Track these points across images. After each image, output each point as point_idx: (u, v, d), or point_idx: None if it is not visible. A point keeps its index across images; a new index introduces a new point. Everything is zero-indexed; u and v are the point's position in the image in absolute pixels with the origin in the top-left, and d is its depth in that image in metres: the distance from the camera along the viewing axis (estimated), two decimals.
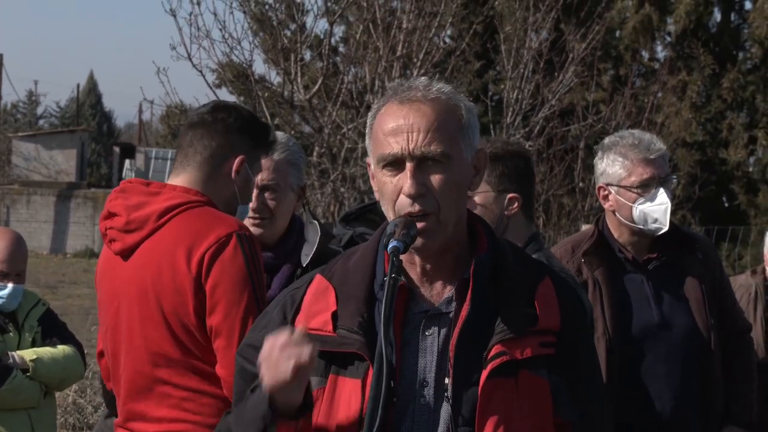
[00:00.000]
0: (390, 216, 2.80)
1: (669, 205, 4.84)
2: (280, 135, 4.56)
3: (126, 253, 3.90)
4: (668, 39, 21.64)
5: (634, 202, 4.83)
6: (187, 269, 3.74)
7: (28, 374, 5.93)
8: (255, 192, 4.27)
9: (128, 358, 3.90)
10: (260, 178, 4.30)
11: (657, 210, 4.84)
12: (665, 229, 4.83)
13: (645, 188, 4.83)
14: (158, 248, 3.81)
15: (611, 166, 4.88)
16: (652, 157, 4.80)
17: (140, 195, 3.92)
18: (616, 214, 4.90)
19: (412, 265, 2.83)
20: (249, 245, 3.78)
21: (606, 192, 4.91)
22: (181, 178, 3.97)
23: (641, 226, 4.85)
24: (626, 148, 4.86)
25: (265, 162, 4.25)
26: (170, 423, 3.82)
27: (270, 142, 4.16)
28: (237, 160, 3.96)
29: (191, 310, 3.75)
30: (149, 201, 3.89)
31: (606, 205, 4.97)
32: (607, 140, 5.00)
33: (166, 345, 3.79)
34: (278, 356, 2.63)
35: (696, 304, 4.80)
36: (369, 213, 4.91)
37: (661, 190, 4.83)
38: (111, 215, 3.94)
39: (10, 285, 5.96)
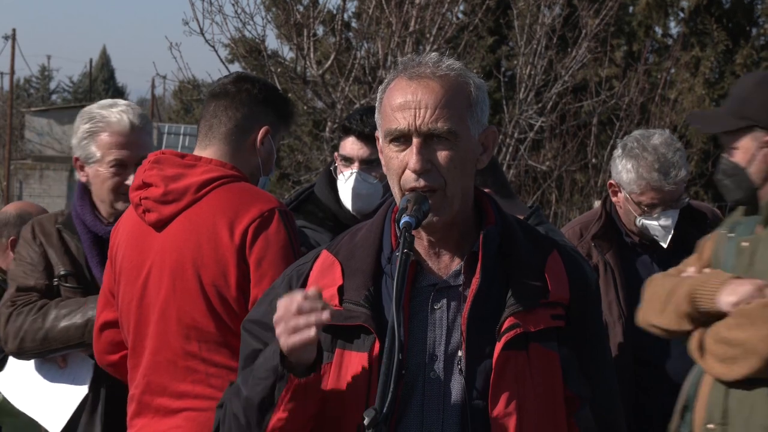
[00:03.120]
0: (395, 191, 2.82)
1: (671, 229, 4.83)
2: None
3: (161, 224, 3.89)
4: (681, 15, 21.54)
5: (639, 215, 4.86)
6: (230, 241, 3.76)
7: None
8: None
9: (157, 330, 3.88)
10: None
11: (658, 230, 4.86)
12: (664, 245, 4.85)
13: (652, 209, 4.84)
14: (198, 220, 3.82)
15: (627, 174, 4.89)
16: (667, 188, 4.79)
17: (176, 167, 3.92)
18: (621, 209, 4.93)
19: (419, 239, 2.84)
20: (290, 221, 3.83)
21: (616, 189, 4.93)
22: (210, 151, 3.98)
23: (642, 232, 4.88)
24: (647, 167, 4.84)
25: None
26: (194, 399, 3.81)
27: (291, 114, 4.17)
28: (262, 131, 4.00)
29: (233, 281, 3.76)
30: (186, 173, 3.89)
31: (613, 199, 4.99)
32: (630, 143, 4.96)
33: (201, 318, 3.79)
34: (296, 317, 2.65)
35: None
36: (307, 204, 4.90)
37: (669, 212, 4.83)
38: (146, 185, 3.92)
39: None
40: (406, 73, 2.82)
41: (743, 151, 4.04)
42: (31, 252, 4.61)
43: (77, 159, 4.61)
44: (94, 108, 4.65)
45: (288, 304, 2.67)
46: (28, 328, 4.48)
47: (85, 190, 4.62)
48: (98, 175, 4.53)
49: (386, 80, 2.88)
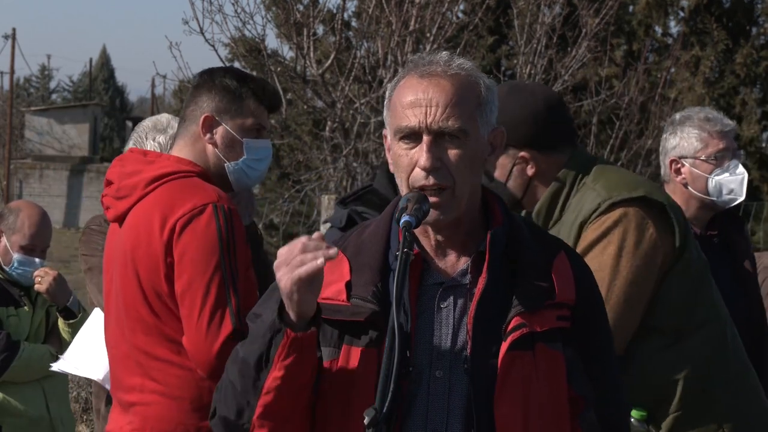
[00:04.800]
0: (403, 189, 2.82)
1: (746, 175, 4.97)
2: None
3: (118, 220, 3.96)
4: (681, 14, 21.53)
5: (710, 173, 4.98)
6: (160, 236, 3.77)
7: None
8: None
9: (115, 325, 3.96)
10: None
11: (734, 180, 4.98)
12: (740, 199, 4.96)
13: (721, 160, 4.99)
14: (139, 216, 3.86)
15: (686, 140, 5.06)
16: (726, 130, 4.98)
17: (136, 163, 3.97)
18: (688, 187, 4.98)
19: (426, 237, 2.85)
20: (225, 217, 3.78)
21: (679, 165, 5.02)
22: (176, 148, 4.04)
23: (714, 198, 4.97)
24: (701, 121, 5.06)
25: None
26: (140, 393, 3.86)
27: (256, 88, 4.08)
28: (201, 120, 3.98)
29: (162, 276, 3.78)
30: (142, 169, 3.93)
31: (678, 179, 5.05)
32: (678, 116, 5.17)
33: (142, 310, 3.83)
34: (301, 256, 2.62)
35: (752, 285, 4.91)
36: (367, 194, 4.96)
37: (735, 162, 4.97)
38: (108, 183, 4.02)
39: (36, 260, 5.99)
40: (417, 71, 2.83)
41: (501, 168, 4.15)
42: None
43: None
44: (147, 125, 4.88)
45: (291, 247, 2.65)
46: None
47: None
48: None
49: (396, 77, 2.89)
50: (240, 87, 4.03)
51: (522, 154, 4.10)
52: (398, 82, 2.87)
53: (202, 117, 3.98)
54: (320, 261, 2.61)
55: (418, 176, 2.78)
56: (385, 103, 2.92)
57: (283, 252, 2.66)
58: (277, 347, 2.68)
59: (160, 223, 3.79)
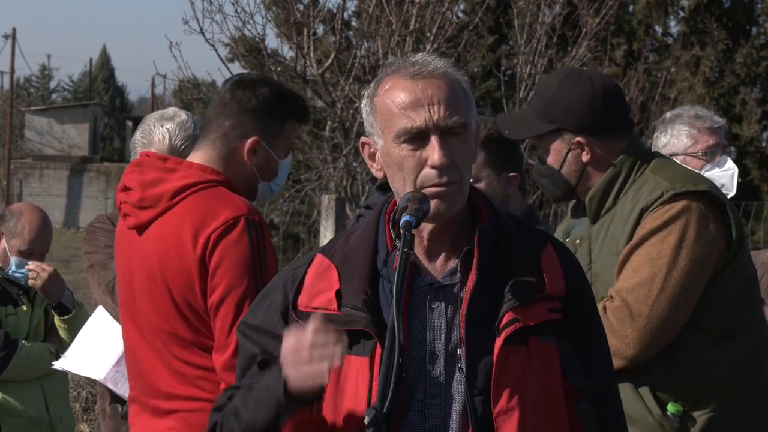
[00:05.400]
0: (409, 189, 2.80)
1: (736, 170, 4.98)
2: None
3: (139, 229, 3.89)
4: (681, 14, 21.51)
5: (701, 169, 5.00)
6: (193, 250, 3.73)
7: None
8: None
9: (143, 335, 3.90)
10: None
11: (724, 175, 5.01)
12: (731, 194, 4.96)
13: (711, 156, 5.03)
14: (168, 228, 3.81)
15: (677, 137, 5.15)
16: (716, 126, 5.02)
17: (156, 171, 3.90)
18: None
19: (417, 239, 2.84)
20: (256, 230, 3.75)
21: None
22: (198, 154, 3.96)
23: None
24: (691, 119, 5.14)
25: None
26: (185, 401, 3.81)
27: (300, 113, 4.08)
28: (249, 143, 3.93)
29: (197, 291, 3.74)
30: (165, 178, 3.87)
31: None
32: (668, 114, 5.26)
33: (177, 325, 3.79)
34: (307, 356, 2.63)
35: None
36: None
37: (725, 157, 5.00)
38: (126, 189, 3.93)
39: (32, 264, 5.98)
40: (405, 73, 2.82)
41: (555, 154, 4.14)
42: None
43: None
44: (153, 117, 4.82)
45: (298, 342, 2.67)
46: None
47: None
48: None
49: (377, 84, 2.88)
50: (284, 109, 4.00)
51: (578, 139, 4.08)
52: (382, 87, 2.86)
53: (251, 140, 3.93)
54: (325, 370, 2.64)
55: (430, 175, 2.77)
56: (366, 110, 2.91)
57: (290, 344, 2.68)
58: (284, 419, 2.73)
59: (192, 237, 3.74)
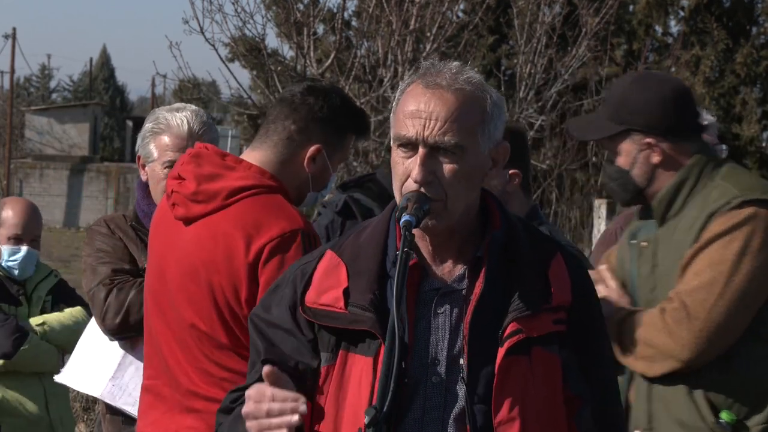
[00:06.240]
0: (396, 195, 2.80)
1: None
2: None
3: (187, 221, 3.84)
4: (681, 14, 21.53)
5: None
6: (245, 257, 3.68)
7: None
8: None
9: (171, 327, 3.85)
10: None
11: None
12: None
13: None
14: (219, 228, 3.75)
15: None
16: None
17: (214, 166, 3.85)
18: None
19: (424, 243, 2.83)
20: (311, 246, 3.67)
21: None
22: (257, 154, 3.92)
23: None
24: None
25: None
26: (208, 401, 3.74)
27: (362, 129, 4.09)
28: (311, 149, 3.91)
29: (243, 297, 3.69)
30: (223, 175, 3.82)
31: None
32: None
33: (215, 327, 3.75)
34: (267, 419, 2.68)
35: None
36: (367, 182, 4.98)
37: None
38: (180, 178, 3.87)
39: (24, 247, 6.00)
40: (423, 81, 2.81)
41: (625, 155, 4.10)
42: (114, 243, 4.74)
43: (139, 158, 4.72)
44: (163, 110, 4.80)
45: (258, 401, 2.70)
46: (133, 300, 4.53)
47: (148, 189, 4.72)
48: (154, 175, 4.62)
49: (404, 83, 2.87)
50: (349, 122, 3.99)
51: (648, 140, 4.04)
52: (405, 87, 2.86)
53: (314, 147, 3.90)
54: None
55: (410, 187, 2.77)
56: (393, 104, 2.91)
57: (250, 401, 2.71)
58: None
59: (244, 243, 3.69)
